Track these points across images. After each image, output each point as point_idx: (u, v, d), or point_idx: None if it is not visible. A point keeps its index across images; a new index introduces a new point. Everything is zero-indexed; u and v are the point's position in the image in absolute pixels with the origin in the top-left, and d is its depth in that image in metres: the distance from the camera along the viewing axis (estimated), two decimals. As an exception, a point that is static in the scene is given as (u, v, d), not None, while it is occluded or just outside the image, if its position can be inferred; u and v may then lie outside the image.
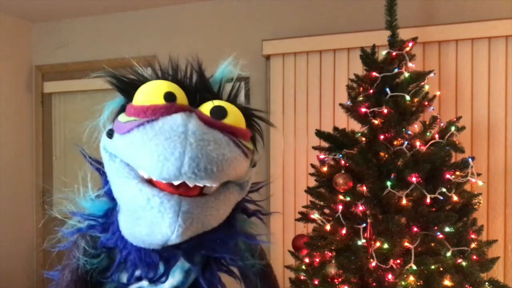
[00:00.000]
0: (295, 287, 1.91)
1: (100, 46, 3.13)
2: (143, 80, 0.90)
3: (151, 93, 0.83)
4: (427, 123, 1.80)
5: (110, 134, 0.87)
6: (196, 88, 0.91)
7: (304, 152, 2.56)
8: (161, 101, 0.81)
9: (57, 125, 3.35)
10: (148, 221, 0.78)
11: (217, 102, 0.86)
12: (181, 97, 0.85)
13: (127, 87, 0.89)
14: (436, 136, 1.73)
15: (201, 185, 0.78)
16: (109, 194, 0.91)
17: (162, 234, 0.77)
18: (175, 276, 0.98)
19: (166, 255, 0.89)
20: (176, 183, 0.76)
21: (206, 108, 0.85)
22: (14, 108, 3.20)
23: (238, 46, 2.77)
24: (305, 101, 2.58)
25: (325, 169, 1.83)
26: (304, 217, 1.89)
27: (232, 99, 0.95)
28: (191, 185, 0.77)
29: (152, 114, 0.80)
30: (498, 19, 2.23)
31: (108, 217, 0.93)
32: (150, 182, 0.80)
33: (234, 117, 0.86)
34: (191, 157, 0.72)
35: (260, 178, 3.04)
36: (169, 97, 0.82)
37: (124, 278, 0.95)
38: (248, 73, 2.76)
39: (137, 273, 0.93)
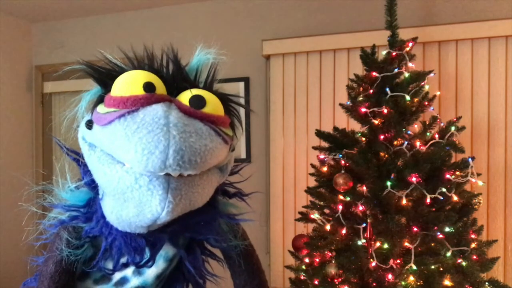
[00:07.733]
0: (295, 287, 1.91)
1: (100, 46, 3.11)
2: (120, 70, 0.89)
3: (130, 83, 0.83)
4: (427, 123, 1.80)
5: (89, 125, 0.86)
6: (174, 78, 0.91)
7: (304, 152, 2.56)
8: (140, 91, 0.81)
9: (57, 125, 3.35)
10: (136, 201, 0.78)
11: (195, 91, 0.86)
12: (160, 87, 0.85)
13: (104, 78, 0.89)
14: (436, 136, 1.73)
15: (185, 174, 0.78)
16: (89, 184, 0.92)
17: (152, 212, 0.77)
18: (159, 265, 1.01)
19: (152, 239, 0.91)
20: (160, 174, 0.77)
21: (184, 97, 0.85)
22: (14, 108, 3.20)
23: (238, 46, 2.78)
24: (305, 101, 2.58)
25: (325, 169, 1.83)
26: (304, 217, 1.89)
27: (209, 86, 0.95)
28: (174, 175, 0.77)
29: (132, 104, 0.79)
30: (498, 19, 2.23)
31: (90, 206, 0.93)
32: None
33: (213, 105, 0.86)
34: (175, 150, 0.73)
35: (260, 177, 3.04)
36: (149, 87, 0.82)
37: (109, 265, 0.96)
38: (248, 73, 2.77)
39: (123, 259, 0.94)
